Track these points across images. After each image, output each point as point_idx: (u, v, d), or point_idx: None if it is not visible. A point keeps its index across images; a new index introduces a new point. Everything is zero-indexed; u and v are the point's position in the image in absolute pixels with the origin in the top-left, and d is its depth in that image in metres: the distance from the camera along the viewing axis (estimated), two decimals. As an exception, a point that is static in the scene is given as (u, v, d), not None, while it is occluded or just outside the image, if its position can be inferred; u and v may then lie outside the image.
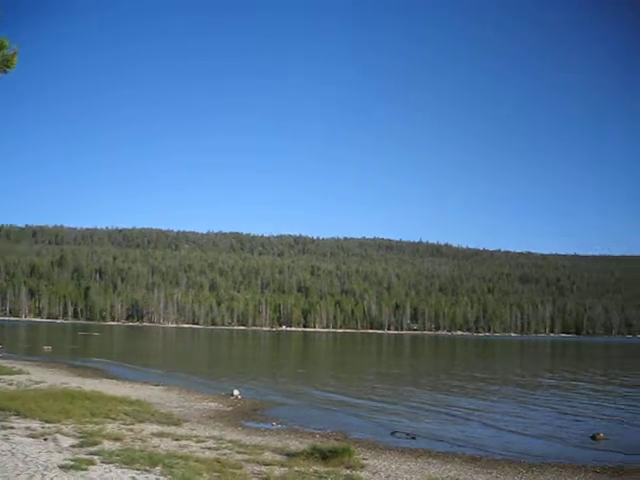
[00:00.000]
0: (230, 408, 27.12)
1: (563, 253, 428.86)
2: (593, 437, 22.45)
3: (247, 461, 15.05)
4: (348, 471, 14.37)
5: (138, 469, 12.46)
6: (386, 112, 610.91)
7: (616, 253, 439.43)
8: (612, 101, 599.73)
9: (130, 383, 34.76)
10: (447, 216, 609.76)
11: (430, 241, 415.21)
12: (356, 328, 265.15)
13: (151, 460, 13.48)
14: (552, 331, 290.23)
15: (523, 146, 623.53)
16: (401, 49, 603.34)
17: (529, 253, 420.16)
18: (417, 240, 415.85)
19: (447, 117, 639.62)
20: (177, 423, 21.37)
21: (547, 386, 43.55)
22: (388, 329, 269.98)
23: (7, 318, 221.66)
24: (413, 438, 21.55)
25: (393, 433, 22.42)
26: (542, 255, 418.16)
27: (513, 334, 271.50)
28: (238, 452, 16.35)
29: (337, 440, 19.52)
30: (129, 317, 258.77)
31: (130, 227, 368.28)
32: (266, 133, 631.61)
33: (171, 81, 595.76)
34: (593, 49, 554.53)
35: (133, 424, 19.85)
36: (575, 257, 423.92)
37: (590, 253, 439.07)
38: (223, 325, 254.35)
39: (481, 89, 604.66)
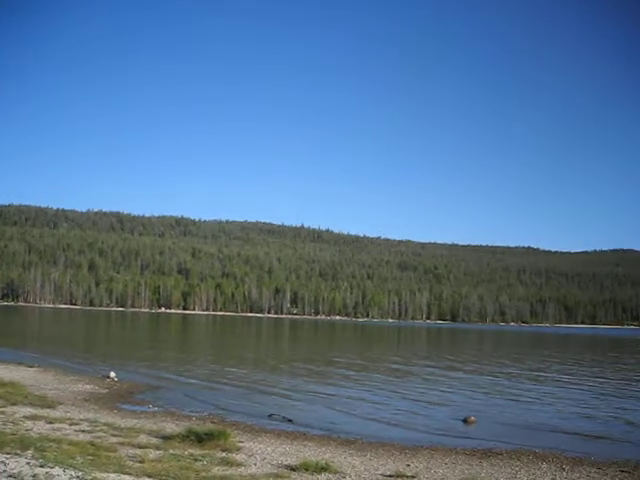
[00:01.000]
0: (106, 390, 26.71)
1: (441, 242, 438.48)
2: (465, 420, 23.06)
3: (122, 444, 14.83)
4: (224, 454, 14.34)
5: (8, 453, 12.07)
6: (282, 93, 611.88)
7: (491, 244, 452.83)
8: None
9: (3, 364, 33.69)
10: (329, 202, 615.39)
11: (311, 226, 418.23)
12: (236, 311, 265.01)
13: (22, 444, 13.11)
14: (428, 318, 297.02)
15: (420, 145, 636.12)
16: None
17: (408, 241, 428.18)
18: (298, 225, 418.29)
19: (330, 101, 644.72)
20: (51, 405, 20.92)
21: (421, 371, 44.38)
22: (268, 313, 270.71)
23: None
24: (290, 421, 21.67)
25: (270, 416, 22.49)
26: (421, 244, 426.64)
27: (390, 320, 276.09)
28: (113, 435, 16.10)
29: (213, 423, 19.45)
30: (4, 297, 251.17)
31: (7, 204, 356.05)
32: (152, 113, 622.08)
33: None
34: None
35: (5, 407, 19.28)
36: (452, 247, 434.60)
37: (467, 243, 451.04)
38: (101, 306, 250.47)
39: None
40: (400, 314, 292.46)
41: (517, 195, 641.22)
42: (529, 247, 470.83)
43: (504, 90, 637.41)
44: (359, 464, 14.76)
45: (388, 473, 13.71)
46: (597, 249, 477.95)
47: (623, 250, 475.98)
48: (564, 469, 15.57)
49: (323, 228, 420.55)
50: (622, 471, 15.64)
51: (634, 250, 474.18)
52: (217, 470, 12.71)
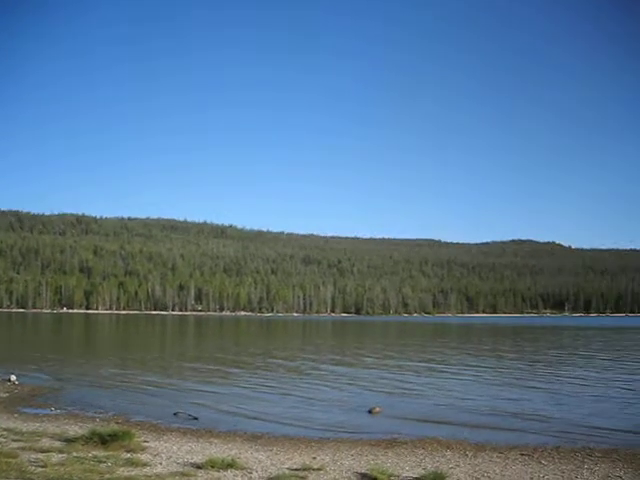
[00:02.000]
0: (6, 394, 26.03)
1: (344, 236, 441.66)
2: (370, 411, 23.33)
3: (23, 449, 14.50)
4: (128, 454, 14.18)
5: None
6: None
7: (393, 237, 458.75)
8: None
9: None
10: (232, 198, 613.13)
11: (215, 222, 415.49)
12: (140, 309, 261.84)
13: None
14: (333, 311, 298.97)
15: (320, 141, 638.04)
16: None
17: (312, 235, 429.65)
18: (202, 221, 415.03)
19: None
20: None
21: (328, 361, 44.66)
22: (172, 310, 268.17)
23: None
24: (195, 419, 21.55)
25: (175, 414, 22.33)
26: (324, 238, 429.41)
27: (295, 314, 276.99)
28: (14, 440, 15.72)
29: (118, 423, 19.18)
30: None
31: None
32: (46, 108, 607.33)
33: None
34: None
35: None
36: (356, 240, 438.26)
37: (370, 236, 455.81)
38: (1, 307, 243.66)
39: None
40: (305, 308, 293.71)
41: (418, 188, 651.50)
42: (430, 239, 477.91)
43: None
44: (265, 459, 14.81)
45: (295, 467, 13.78)
46: (496, 240, 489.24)
47: (521, 241, 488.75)
48: (467, 455, 15.97)
49: (226, 224, 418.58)
50: (522, 454, 16.15)
51: (532, 241, 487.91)
52: (122, 471, 12.57)
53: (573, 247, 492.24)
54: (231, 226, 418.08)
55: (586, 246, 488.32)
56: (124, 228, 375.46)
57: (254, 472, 13.14)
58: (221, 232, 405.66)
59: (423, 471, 13.51)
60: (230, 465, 13.35)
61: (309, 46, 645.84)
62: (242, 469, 13.26)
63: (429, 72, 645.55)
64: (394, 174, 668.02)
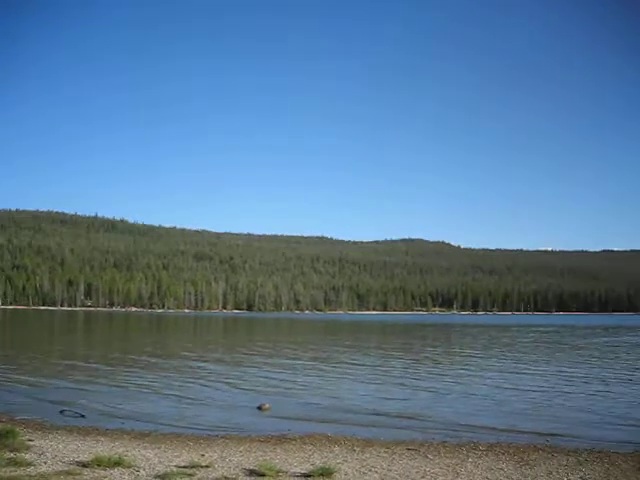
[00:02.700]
0: None
1: (237, 232, 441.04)
2: (259, 408, 23.35)
3: None
4: (12, 454, 13.79)
5: None
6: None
7: (286, 233, 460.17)
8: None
9: None
10: (123, 192, 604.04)
11: (106, 216, 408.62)
12: (28, 305, 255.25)
13: None
14: (225, 307, 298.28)
15: (212, 138, 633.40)
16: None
17: (204, 231, 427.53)
18: (92, 214, 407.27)
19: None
20: None
21: (216, 359, 44.51)
22: (61, 305, 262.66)
23: None
24: (82, 416, 21.19)
25: (62, 412, 21.89)
26: (216, 233, 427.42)
27: (187, 310, 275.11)
28: None
29: (1, 422, 18.73)
30: None
31: None
32: None
33: None
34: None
35: None
36: (248, 236, 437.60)
37: (262, 233, 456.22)
38: None
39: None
40: (196, 304, 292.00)
41: (310, 186, 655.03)
42: (322, 236, 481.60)
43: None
44: (153, 456, 14.66)
45: (182, 464, 13.69)
46: (388, 239, 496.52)
47: (412, 240, 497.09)
48: (355, 451, 16.14)
49: (117, 218, 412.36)
50: (409, 449, 16.42)
51: (422, 240, 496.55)
52: (4, 472, 12.24)
53: (462, 247, 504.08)
54: (122, 220, 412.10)
55: (475, 246, 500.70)
56: (12, 221, 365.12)
57: (141, 470, 13.00)
58: (112, 226, 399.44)
59: (311, 467, 13.59)
60: (117, 463, 13.19)
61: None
62: (129, 467, 13.10)
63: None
64: (281, 172, 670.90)
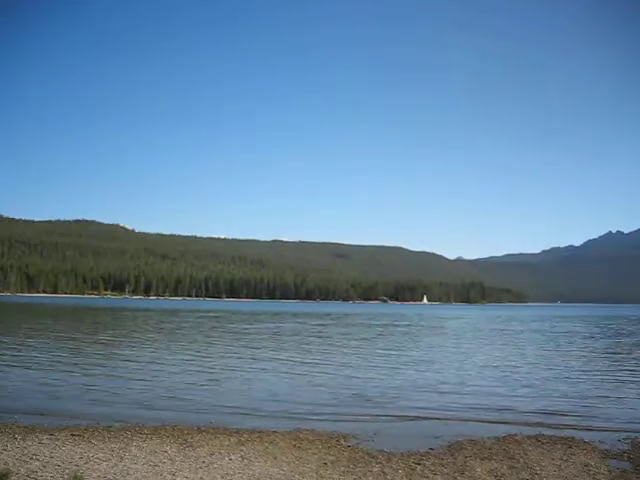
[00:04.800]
0: None
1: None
2: None
3: None
4: None
5: None
6: None
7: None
8: None
9: None
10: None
11: None
12: None
13: None
14: None
15: None
16: None
17: None
18: None
19: None
20: None
21: None
22: None
23: None
24: None
25: None
26: None
27: None
28: None
29: None
30: None
31: None
32: None
33: None
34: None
35: None
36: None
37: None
38: None
39: None
40: None
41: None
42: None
43: None
44: None
45: None
46: (61, 219, 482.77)
47: (86, 221, 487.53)
48: (17, 438, 15.60)
49: None
50: (73, 435, 16.18)
51: (97, 222, 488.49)
52: None
53: (137, 230, 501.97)
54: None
55: (149, 230, 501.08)
56: None
57: None
58: None
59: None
60: None
61: None
62: None
63: None
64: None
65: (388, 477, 12.77)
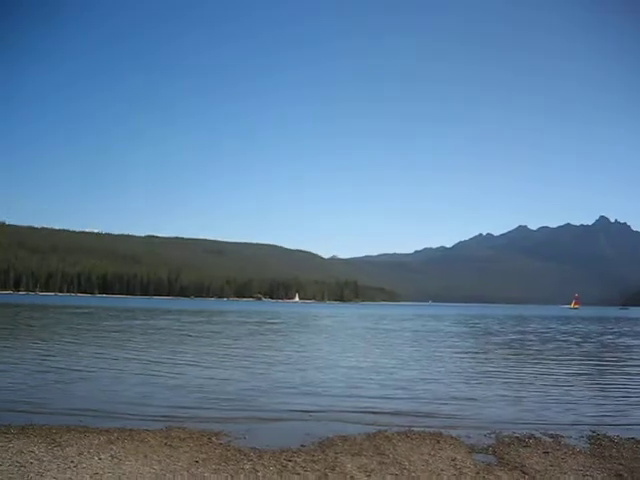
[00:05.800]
0: None
1: None
2: None
3: None
4: None
5: None
6: None
7: None
8: None
9: None
10: None
11: None
12: None
13: None
14: None
15: None
16: None
17: None
18: None
19: None
20: None
21: None
22: None
23: None
24: None
25: None
26: None
27: None
28: None
29: None
30: None
31: None
32: None
33: None
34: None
35: None
36: None
37: None
38: None
39: None
40: None
41: None
42: None
43: None
44: None
45: None
46: None
47: None
48: None
49: None
50: None
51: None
52: None
53: (7, 223, 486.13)
54: None
55: (20, 222, 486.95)
56: None
57: None
58: None
59: None
60: None
61: None
62: None
63: None
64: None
65: (259, 474, 12.91)
